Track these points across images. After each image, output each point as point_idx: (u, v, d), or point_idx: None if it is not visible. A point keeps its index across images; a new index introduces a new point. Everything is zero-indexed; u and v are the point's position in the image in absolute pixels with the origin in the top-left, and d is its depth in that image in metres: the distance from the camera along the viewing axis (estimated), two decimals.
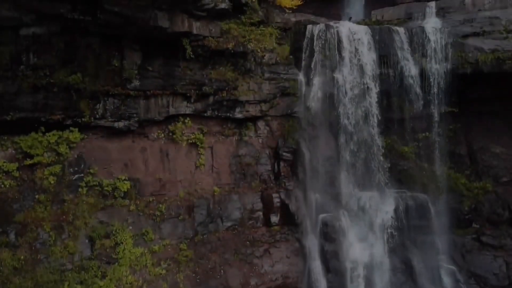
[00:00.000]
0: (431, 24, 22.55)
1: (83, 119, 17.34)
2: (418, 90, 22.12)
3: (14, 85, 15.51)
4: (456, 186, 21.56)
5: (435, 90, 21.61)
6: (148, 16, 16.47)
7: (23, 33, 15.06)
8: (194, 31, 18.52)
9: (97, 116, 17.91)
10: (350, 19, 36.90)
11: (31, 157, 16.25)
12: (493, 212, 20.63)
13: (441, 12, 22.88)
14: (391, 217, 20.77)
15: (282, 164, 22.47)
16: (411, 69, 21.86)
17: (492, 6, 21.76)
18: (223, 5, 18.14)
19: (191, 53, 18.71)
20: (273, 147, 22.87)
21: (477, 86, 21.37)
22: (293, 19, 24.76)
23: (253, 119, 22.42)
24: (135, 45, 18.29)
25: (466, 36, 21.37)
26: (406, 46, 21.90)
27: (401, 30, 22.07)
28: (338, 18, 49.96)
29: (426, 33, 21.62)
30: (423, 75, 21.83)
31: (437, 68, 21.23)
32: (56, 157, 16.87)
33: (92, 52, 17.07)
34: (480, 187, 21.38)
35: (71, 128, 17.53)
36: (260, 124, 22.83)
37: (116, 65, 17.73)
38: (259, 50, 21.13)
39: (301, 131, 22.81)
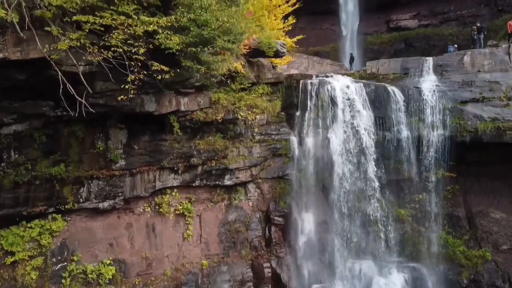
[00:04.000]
0: (429, 83, 23.33)
1: (66, 206, 17.86)
2: (414, 154, 22.98)
3: None
4: (454, 254, 22.33)
5: (433, 155, 22.52)
6: (135, 103, 17.01)
7: (4, 132, 15.50)
8: (182, 108, 19.13)
9: (81, 200, 18.46)
10: (351, 57, 37.71)
11: (13, 254, 16.81)
12: (492, 284, 21.19)
13: (439, 70, 23.64)
14: None
15: (273, 228, 23.25)
16: (408, 133, 22.69)
17: (491, 68, 22.55)
18: (212, 79, 18.59)
19: (179, 130, 19.28)
20: (264, 211, 23.62)
21: (476, 151, 22.19)
22: (285, 73, 25.34)
23: (244, 183, 23.08)
24: (120, 124, 18.83)
25: (465, 102, 22.12)
26: (402, 108, 22.68)
27: (397, 91, 22.84)
28: (333, 33, 51.01)
29: (423, 97, 22.39)
30: (420, 139, 22.62)
31: (434, 134, 22.06)
32: (39, 249, 17.45)
33: (75, 138, 17.61)
34: (479, 256, 21.85)
35: (54, 215, 18.03)
36: (251, 187, 23.58)
37: (101, 148, 18.24)
38: (250, 113, 21.71)
39: (293, 193, 23.60)
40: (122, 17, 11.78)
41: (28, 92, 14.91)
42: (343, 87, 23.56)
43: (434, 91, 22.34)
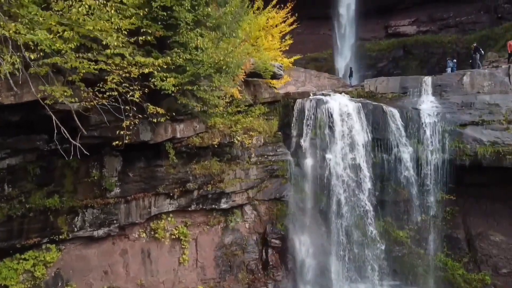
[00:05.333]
0: (428, 104, 23.45)
1: (60, 237, 17.91)
2: (413, 176, 23.13)
3: None
4: (454, 277, 22.24)
5: (432, 177, 22.65)
6: (130, 133, 17.00)
7: None
8: (178, 135, 19.14)
9: (76, 229, 18.52)
10: (350, 71, 37.81)
11: (6, 287, 16.88)
12: None
13: (438, 90, 23.76)
14: None
15: (270, 251, 23.38)
16: (406, 156, 22.81)
17: (491, 89, 22.68)
18: (210, 111, 18.65)
19: (174, 157, 19.34)
20: (261, 233, 23.75)
21: (476, 174, 22.34)
22: (282, 90, 25.44)
23: (240, 205, 23.21)
24: (115, 152, 18.86)
25: (464, 124, 22.23)
26: (401, 130, 22.81)
27: (396, 112, 22.95)
28: (330, 38, 51.10)
29: (422, 119, 22.53)
30: (419, 162, 22.77)
31: (434, 157, 22.21)
32: (32, 281, 17.51)
33: (70, 169, 17.64)
34: (478, 279, 21.82)
35: (48, 245, 18.09)
36: (247, 209, 23.70)
37: (96, 177, 18.29)
38: (246, 137, 21.79)
39: (291, 215, 23.75)
40: (118, 59, 11.77)
41: (21, 127, 14.90)
42: (341, 107, 23.67)
43: (433, 113, 22.40)
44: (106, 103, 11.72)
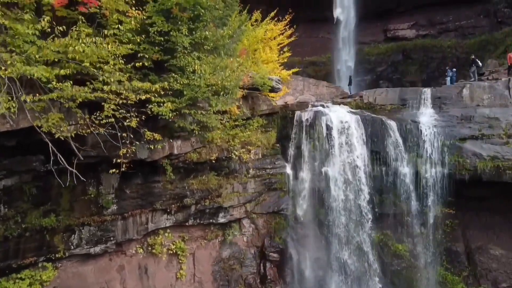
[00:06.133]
0: (427, 116, 23.50)
1: (56, 255, 17.95)
2: (412, 190, 23.21)
3: None
4: None
5: (431, 191, 22.70)
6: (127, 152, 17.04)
7: None
8: (175, 152, 19.15)
9: (72, 247, 18.55)
10: (350, 79, 37.84)
11: None
12: None
13: (437, 102, 23.82)
14: None
15: (268, 265, 23.46)
16: (405, 170, 22.87)
17: (491, 102, 22.74)
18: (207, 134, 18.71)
19: (172, 173, 19.38)
20: (259, 246, 23.82)
21: (476, 187, 22.40)
22: (280, 101, 25.48)
23: (238, 219, 23.27)
24: (112, 169, 18.84)
25: (464, 139, 22.24)
26: (400, 143, 22.85)
27: (394, 126, 23.00)
28: (329, 41, 51.11)
29: (421, 132, 22.59)
30: (418, 175, 22.85)
31: (433, 171, 22.28)
32: None
33: (66, 188, 17.60)
34: None
35: (44, 264, 18.12)
36: (245, 222, 23.76)
37: (92, 194, 18.33)
38: (244, 151, 21.84)
39: (289, 229, 23.81)
40: (114, 86, 11.80)
41: (17, 148, 14.92)
42: (340, 119, 23.72)
43: (432, 126, 22.46)
44: (103, 131, 11.68)
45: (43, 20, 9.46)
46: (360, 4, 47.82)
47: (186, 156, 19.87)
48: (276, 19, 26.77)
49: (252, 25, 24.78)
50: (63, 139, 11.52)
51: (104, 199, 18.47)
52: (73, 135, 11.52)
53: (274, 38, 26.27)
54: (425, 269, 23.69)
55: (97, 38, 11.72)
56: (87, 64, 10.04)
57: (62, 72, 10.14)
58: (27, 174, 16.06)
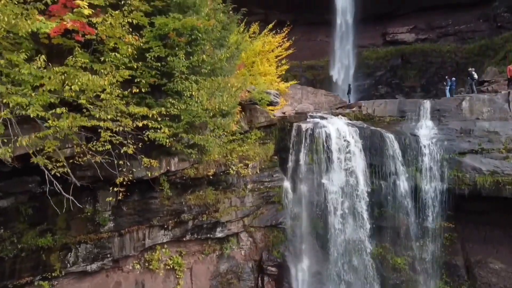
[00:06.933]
0: (426, 129, 23.57)
1: (53, 274, 17.97)
2: (411, 202, 23.29)
3: None
4: None
5: (430, 205, 22.81)
6: (123, 170, 17.06)
7: None
8: (173, 169, 19.15)
9: (69, 265, 18.55)
10: (349, 88, 37.89)
11: None
12: None
13: (437, 115, 23.88)
14: None
15: (266, 279, 23.53)
16: (404, 183, 22.94)
17: (491, 115, 22.80)
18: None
19: (169, 190, 19.42)
20: (256, 260, 23.87)
21: (475, 202, 22.48)
22: (278, 110, 25.47)
23: (236, 233, 23.31)
24: (108, 186, 18.85)
25: (463, 153, 22.33)
26: (399, 157, 22.92)
27: (393, 138, 23.06)
28: (327, 45, 51.16)
29: (420, 146, 22.66)
30: (417, 189, 22.93)
31: (432, 185, 22.36)
32: None
33: (62, 207, 17.61)
34: None
35: (40, 283, 18.13)
36: (243, 235, 23.80)
37: (89, 212, 18.34)
38: (242, 165, 21.88)
39: (287, 242, 23.86)
40: (111, 114, 11.82)
41: (13, 170, 14.88)
42: (338, 131, 23.76)
43: (431, 140, 22.53)
44: (99, 160, 11.70)
45: (39, 59, 9.44)
46: (359, 8, 47.79)
47: (183, 172, 19.90)
48: (274, 31, 26.72)
49: (250, 37, 24.78)
50: (59, 174, 11.44)
51: (101, 217, 18.47)
52: (68, 170, 11.48)
53: (272, 51, 26.29)
54: (425, 283, 23.71)
55: (93, 64, 11.72)
56: (84, 101, 10.04)
57: (59, 110, 10.16)
58: (23, 195, 16.07)
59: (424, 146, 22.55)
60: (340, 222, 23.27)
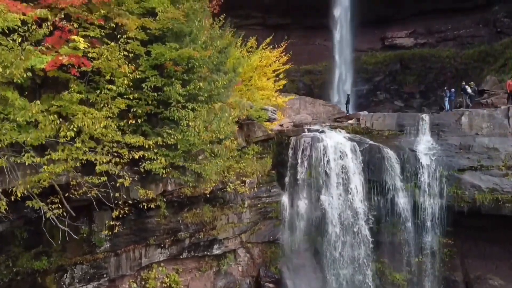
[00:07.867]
0: (425, 144, 23.60)
1: None
2: (410, 218, 23.35)
3: None
4: None
5: (429, 221, 22.88)
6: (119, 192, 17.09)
7: None
8: (169, 188, 19.13)
9: (64, 286, 18.59)
10: (348, 99, 37.91)
11: None
12: None
13: (436, 129, 23.91)
14: None
15: None
16: (403, 199, 22.99)
17: (490, 131, 22.81)
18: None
19: (165, 210, 19.45)
20: (254, 276, 23.91)
21: (474, 218, 22.51)
22: (276, 127, 25.47)
23: (233, 250, 23.34)
24: (104, 206, 18.86)
25: (462, 170, 22.33)
26: (397, 173, 22.97)
27: (392, 155, 23.09)
28: (326, 49, 51.11)
29: (419, 162, 22.71)
30: (416, 205, 22.98)
31: (431, 202, 22.43)
32: None
33: (58, 230, 17.62)
34: None
35: None
36: (240, 251, 23.82)
37: (85, 233, 18.37)
38: (239, 183, 21.90)
39: (285, 258, 23.91)
40: (107, 147, 11.83)
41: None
42: (337, 146, 23.79)
43: (430, 155, 22.57)
44: (95, 194, 11.73)
45: (34, 104, 9.44)
46: (357, 12, 47.70)
47: (180, 191, 19.86)
48: (272, 46, 26.72)
49: (248, 51, 24.79)
50: (55, 217, 11.48)
51: (97, 238, 18.50)
52: (64, 213, 11.53)
53: (270, 65, 26.30)
54: None
55: (89, 95, 11.73)
56: (79, 146, 10.05)
57: (55, 156, 10.18)
58: (18, 220, 16.07)
59: (423, 162, 22.53)
60: (338, 237, 23.25)
